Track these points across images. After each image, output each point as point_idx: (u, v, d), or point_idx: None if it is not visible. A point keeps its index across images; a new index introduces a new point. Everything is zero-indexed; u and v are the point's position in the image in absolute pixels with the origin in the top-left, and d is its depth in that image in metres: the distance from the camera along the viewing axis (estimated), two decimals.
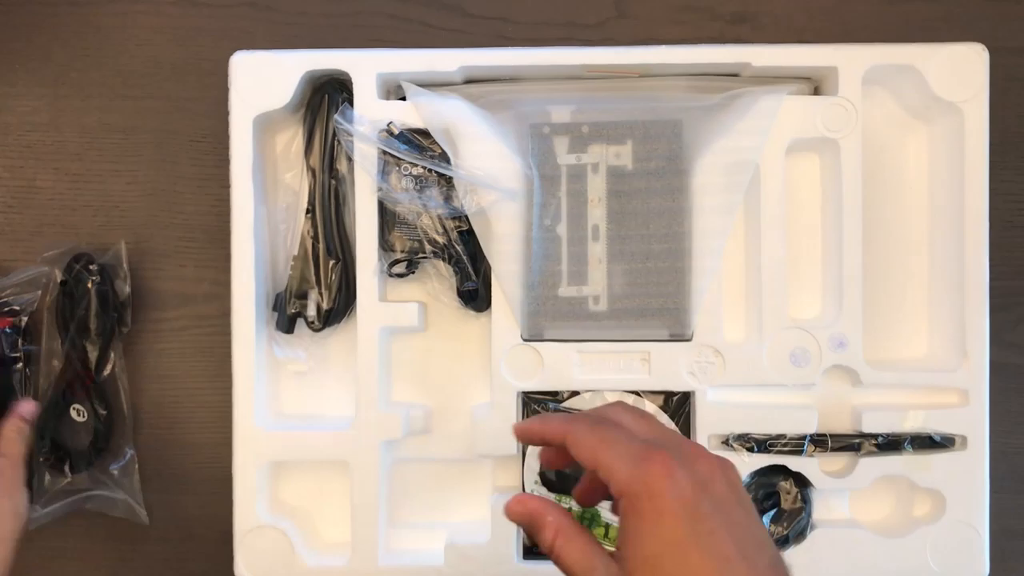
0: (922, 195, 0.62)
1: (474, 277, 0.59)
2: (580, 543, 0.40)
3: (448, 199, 0.58)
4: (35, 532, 0.62)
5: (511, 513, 0.42)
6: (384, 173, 0.58)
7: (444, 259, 0.59)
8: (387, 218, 0.59)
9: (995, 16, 0.63)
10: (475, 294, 0.60)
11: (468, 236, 0.59)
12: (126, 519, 0.62)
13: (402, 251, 0.59)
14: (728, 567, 0.35)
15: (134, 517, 0.62)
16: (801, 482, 0.60)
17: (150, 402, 0.63)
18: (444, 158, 0.58)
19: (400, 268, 0.59)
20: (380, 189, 0.58)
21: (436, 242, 0.59)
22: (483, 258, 0.59)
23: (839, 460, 0.60)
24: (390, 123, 0.58)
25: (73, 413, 0.61)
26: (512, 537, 0.59)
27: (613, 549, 0.39)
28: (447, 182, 0.58)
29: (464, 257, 0.58)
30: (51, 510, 0.62)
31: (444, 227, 0.58)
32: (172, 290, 0.63)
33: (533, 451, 0.60)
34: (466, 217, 0.59)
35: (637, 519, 0.37)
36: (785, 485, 0.60)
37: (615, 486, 0.38)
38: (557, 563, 0.40)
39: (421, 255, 0.59)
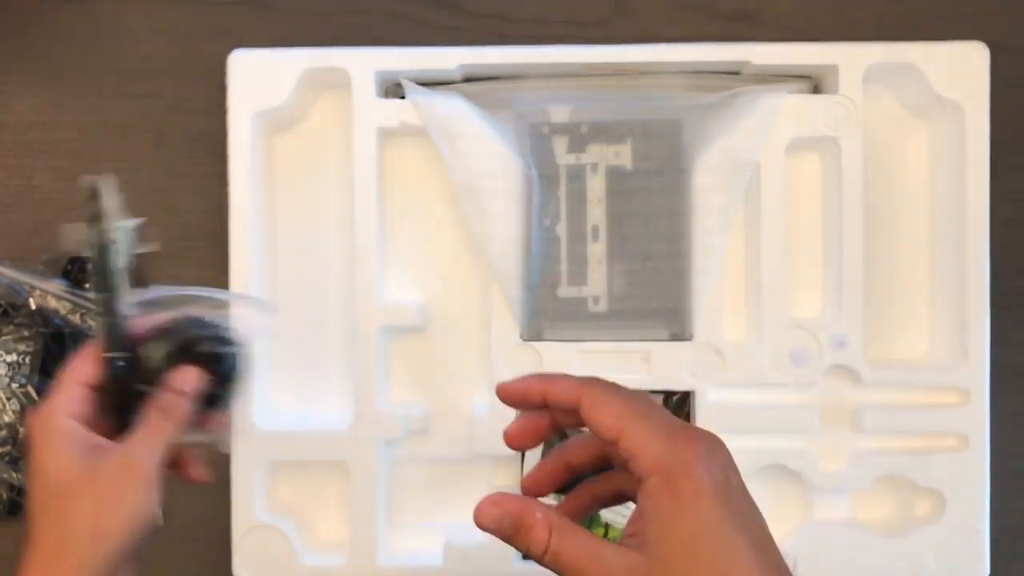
0: (923, 194, 0.62)
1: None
2: (581, 537, 0.35)
3: None
4: None
5: (485, 518, 0.36)
6: None
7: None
8: None
9: (996, 14, 0.62)
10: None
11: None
12: None
13: None
14: (763, 549, 0.34)
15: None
16: None
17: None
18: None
19: None
20: None
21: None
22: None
23: (839, 460, 0.60)
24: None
25: None
26: None
27: (617, 542, 0.36)
28: None
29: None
30: None
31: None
32: None
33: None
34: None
35: (672, 499, 0.34)
36: None
37: (644, 462, 0.34)
38: (556, 565, 0.35)
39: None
